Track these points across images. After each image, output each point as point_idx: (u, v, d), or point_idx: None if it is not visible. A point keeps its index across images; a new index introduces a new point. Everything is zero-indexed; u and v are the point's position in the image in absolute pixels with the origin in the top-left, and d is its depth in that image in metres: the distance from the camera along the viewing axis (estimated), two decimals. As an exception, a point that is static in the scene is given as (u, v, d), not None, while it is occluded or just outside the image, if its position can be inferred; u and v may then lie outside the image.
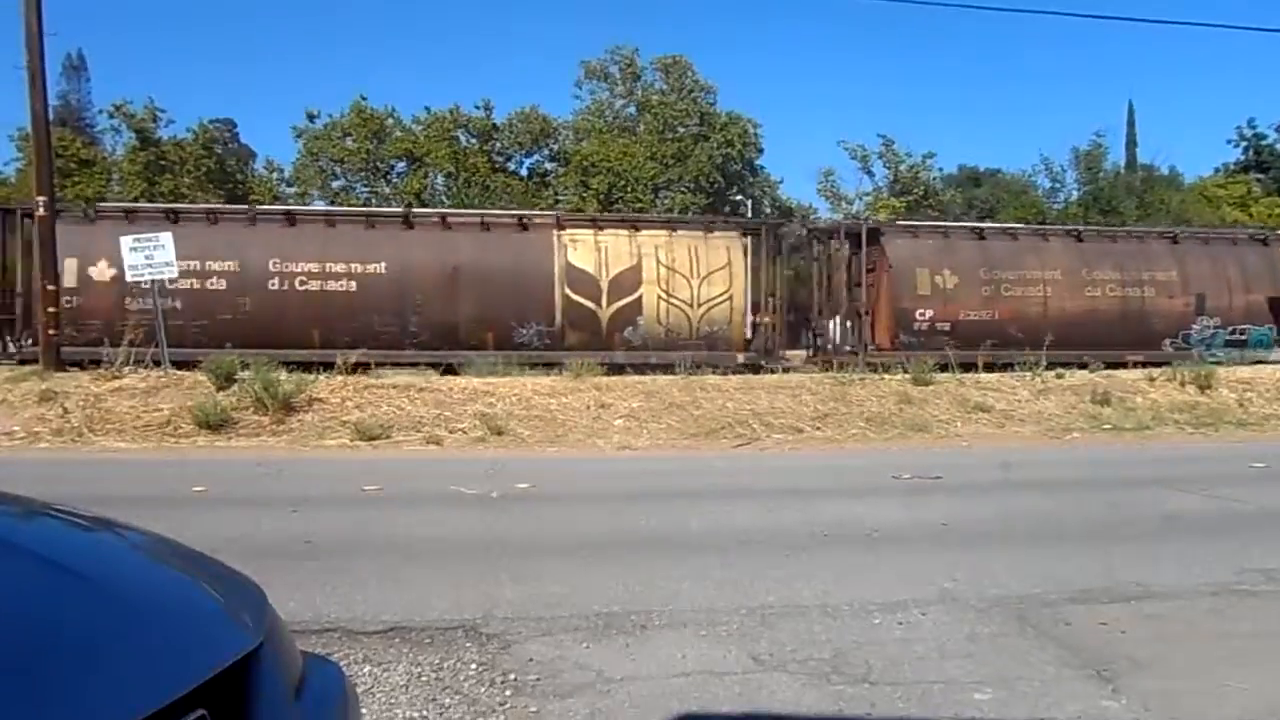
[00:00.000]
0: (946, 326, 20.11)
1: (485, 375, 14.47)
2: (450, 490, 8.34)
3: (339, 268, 18.45)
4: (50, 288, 15.07)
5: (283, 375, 12.63)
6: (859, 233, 21.25)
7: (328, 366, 14.06)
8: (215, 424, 11.65)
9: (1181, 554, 6.14)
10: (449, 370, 15.94)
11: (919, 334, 19.96)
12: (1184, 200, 44.52)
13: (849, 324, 21.55)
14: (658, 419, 12.69)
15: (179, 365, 14.35)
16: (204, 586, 1.71)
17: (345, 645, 4.28)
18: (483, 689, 3.84)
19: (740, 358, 18.88)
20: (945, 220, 30.44)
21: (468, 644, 4.34)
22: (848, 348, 20.85)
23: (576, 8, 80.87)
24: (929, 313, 20.28)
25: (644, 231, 19.82)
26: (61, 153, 30.60)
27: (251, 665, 1.51)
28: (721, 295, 19.37)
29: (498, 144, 39.54)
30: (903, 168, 40.85)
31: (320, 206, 25.08)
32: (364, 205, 34.17)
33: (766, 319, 20.07)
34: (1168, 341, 21.02)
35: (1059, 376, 15.48)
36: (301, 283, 18.31)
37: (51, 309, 15.05)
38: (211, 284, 18.12)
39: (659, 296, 19.11)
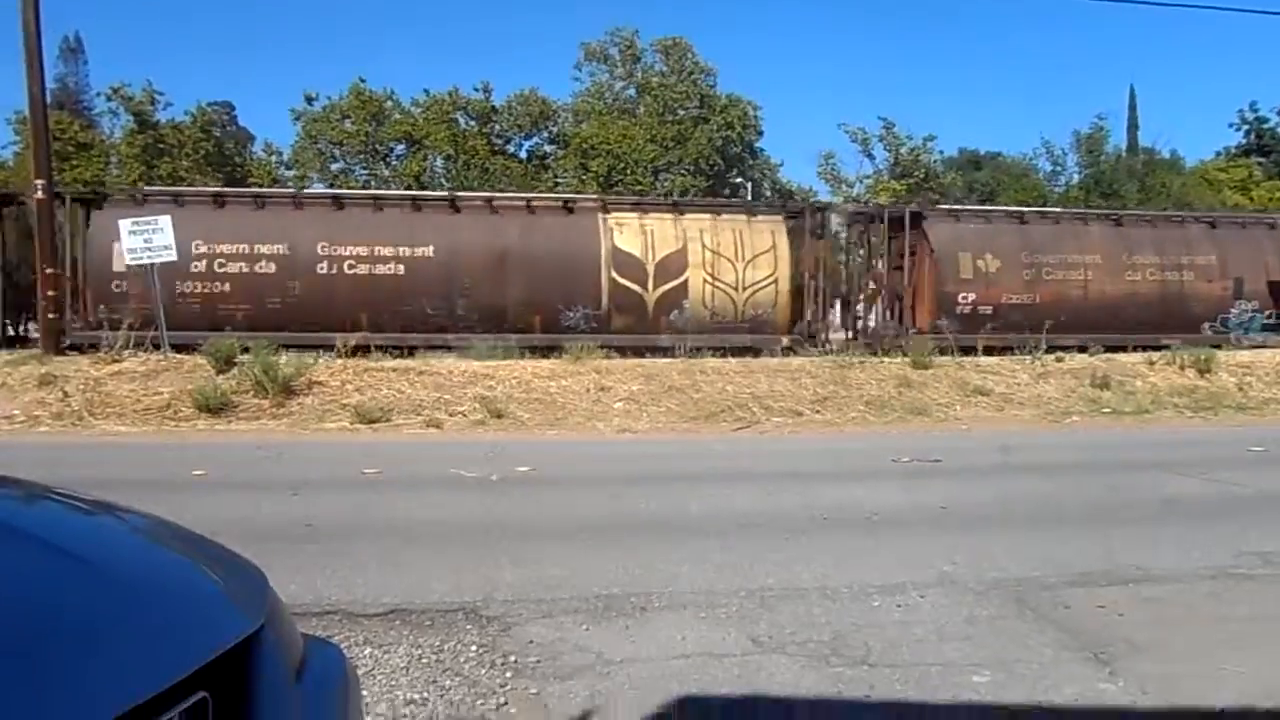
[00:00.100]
0: (989, 310, 20.22)
1: (485, 359, 14.46)
2: (450, 473, 8.35)
3: (387, 251, 18.40)
4: (50, 271, 15.05)
5: (283, 359, 12.62)
6: (900, 216, 21.26)
7: (382, 350, 14.40)
8: (215, 407, 11.65)
9: (1180, 537, 6.16)
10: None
11: (961, 317, 20.04)
12: (1185, 184, 44.44)
13: (889, 307, 21.70)
14: (657, 402, 12.70)
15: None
16: (204, 569, 1.71)
17: (346, 628, 4.29)
18: (483, 671, 3.85)
19: (784, 340, 18.91)
20: (947, 202, 30.38)
21: (468, 626, 4.35)
22: (888, 331, 21.00)
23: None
24: (971, 296, 20.37)
25: (688, 215, 19.84)
26: (59, 136, 30.49)
27: (252, 648, 1.51)
28: (766, 279, 19.41)
29: (497, 126, 39.43)
30: (903, 150, 40.75)
31: (367, 190, 25.06)
32: (363, 187, 34.07)
33: (811, 303, 20.25)
34: (1207, 325, 21.10)
35: (1059, 360, 15.49)
36: (350, 266, 18.25)
37: (51, 292, 15.04)
38: (260, 267, 18.07)
39: (704, 280, 19.14)
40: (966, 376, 14.28)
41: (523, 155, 40.34)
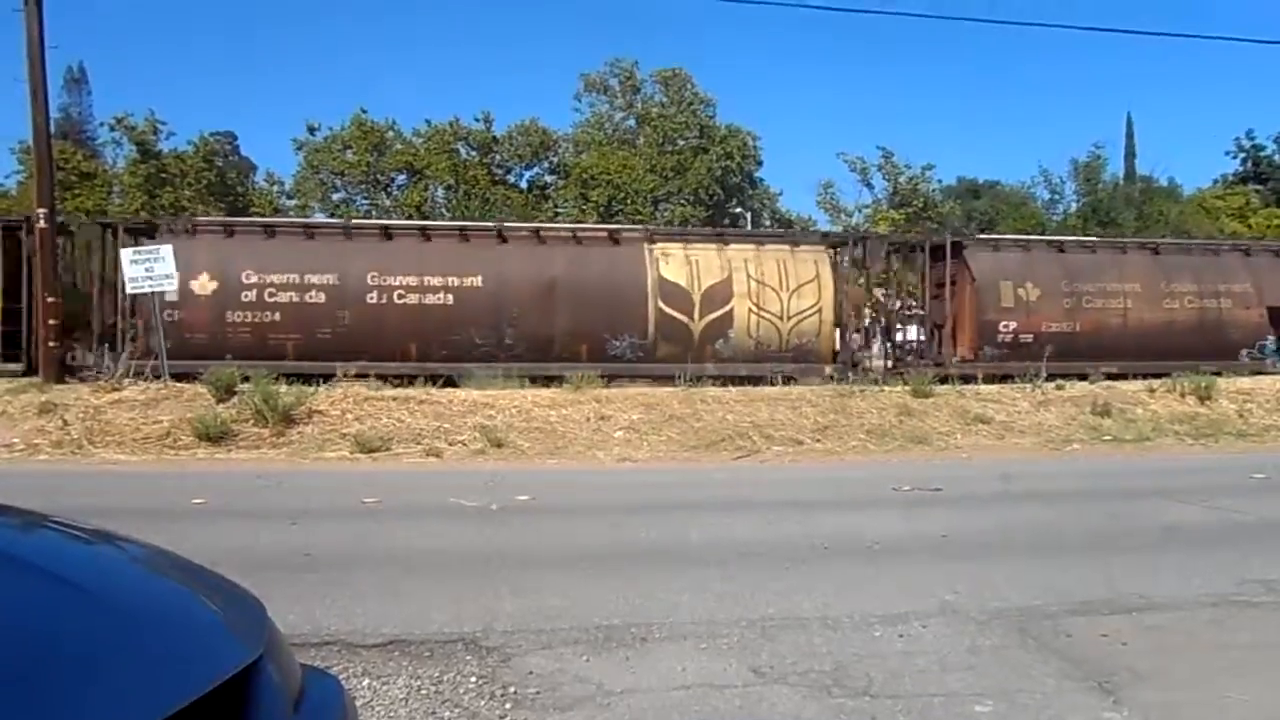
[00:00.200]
0: (1029, 338, 20.34)
1: (485, 388, 14.47)
2: (450, 502, 8.33)
3: (436, 280, 18.45)
4: (51, 300, 15.09)
5: (283, 388, 12.63)
6: (941, 245, 21.53)
7: (434, 380, 14.76)
8: (215, 436, 11.65)
9: (1182, 565, 6.14)
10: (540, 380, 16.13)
11: (1002, 345, 20.23)
12: (1183, 211, 44.62)
13: (929, 336, 21.90)
14: (658, 431, 12.69)
15: (285, 377, 14.34)
16: (203, 599, 1.71)
17: (344, 658, 4.27)
18: (482, 702, 3.83)
19: (828, 369, 19.00)
20: (944, 232, 30.53)
21: (467, 657, 4.33)
22: (926, 359, 21.21)
23: (576, 21, 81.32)
24: (1012, 324, 20.49)
25: (733, 245, 20.01)
26: (63, 165, 30.66)
27: (251, 678, 1.51)
28: (811, 308, 19.52)
29: (498, 156, 39.62)
30: (902, 179, 40.89)
31: (415, 221, 25.29)
32: (364, 217, 34.19)
33: (853, 332, 20.44)
34: (1244, 352, 21.23)
35: (1059, 388, 15.49)
36: (400, 296, 18.31)
37: (52, 321, 15.07)
38: (311, 297, 18.11)
39: (750, 309, 19.25)
40: (967, 405, 14.28)
41: (523, 185, 40.52)
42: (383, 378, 16.28)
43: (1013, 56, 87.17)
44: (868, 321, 21.91)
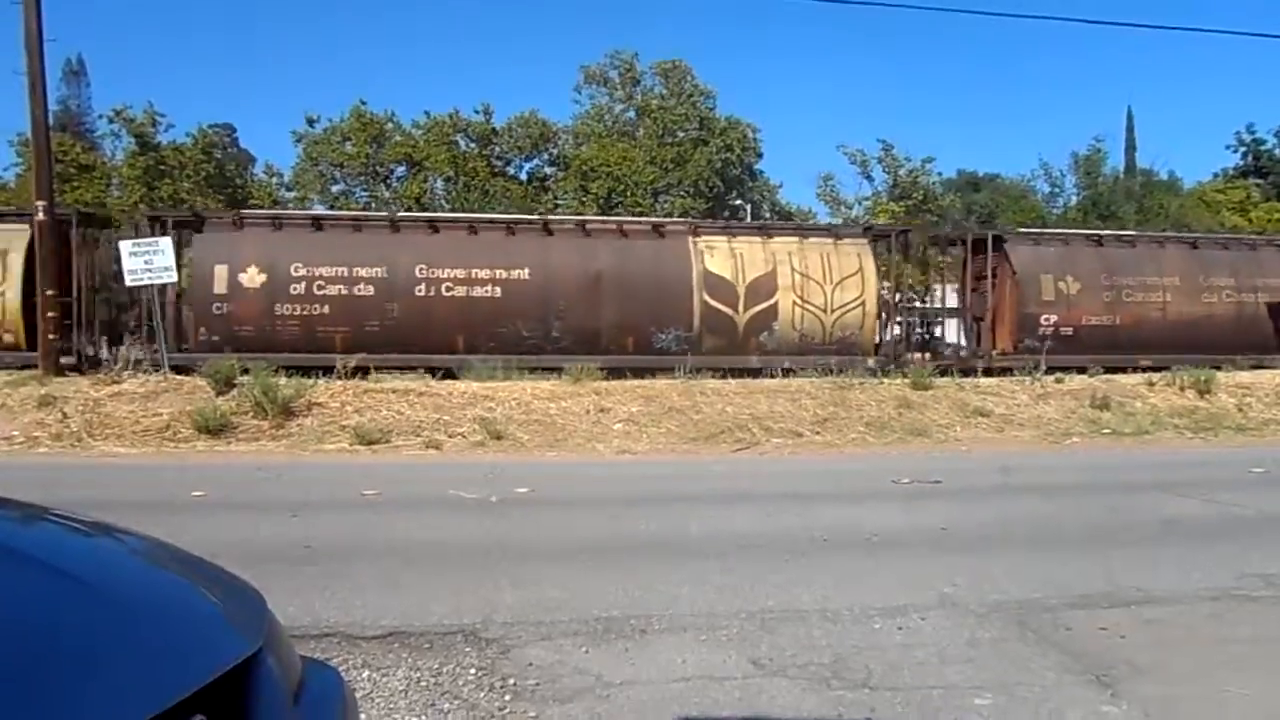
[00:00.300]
0: (1069, 331, 20.51)
1: (485, 379, 14.46)
2: (449, 495, 8.34)
3: (484, 273, 18.47)
4: (50, 293, 15.07)
5: (282, 380, 12.62)
6: (981, 239, 21.64)
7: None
8: (215, 428, 11.64)
9: (1181, 559, 6.14)
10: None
11: (1042, 339, 20.27)
12: (1183, 205, 44.61)
13: (968, 329, 22.06)
14: (657, 423, 12.68)
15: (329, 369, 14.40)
16: (203, 591, 1.71)
17: (344, 650, 4.27)
18: (482, 694, 3.83)
19: (870, 362, 19.03)
20: (946, 225, 30.59)
21: (467, 649, 4.33)
22: (965, 352, 21.40)
23: (576, 12, 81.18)
24: (1053, 318, 20.64)
25: (776, 238, 20.06)
26: (61, 158, 30.55)
27: (250, 670, 1.50)
28: (854, 301, 19.62)
29: (497, 148, 39.53)
30: (902, 172, 40.79)
31: (462, 214, 25.26)
32: (364, 209, 34.16)
33: (895, 324, 20.70)
34: None
35: (1058, 381, 15.49)
36: (448, 289, 18.33)
37: (51, 314, 15.05)
38: (359, 290, 18.12)
39: (794, 302, 19.34)
40: (966, 398, 14.28)
41: (523, 177, 40.46)
42: (430, 370, 16.56)
43: (1013, 49, 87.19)
44: (910, 315, 22.20)
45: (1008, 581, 5.51)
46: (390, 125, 38.78)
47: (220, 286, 17.42)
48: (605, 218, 25.10)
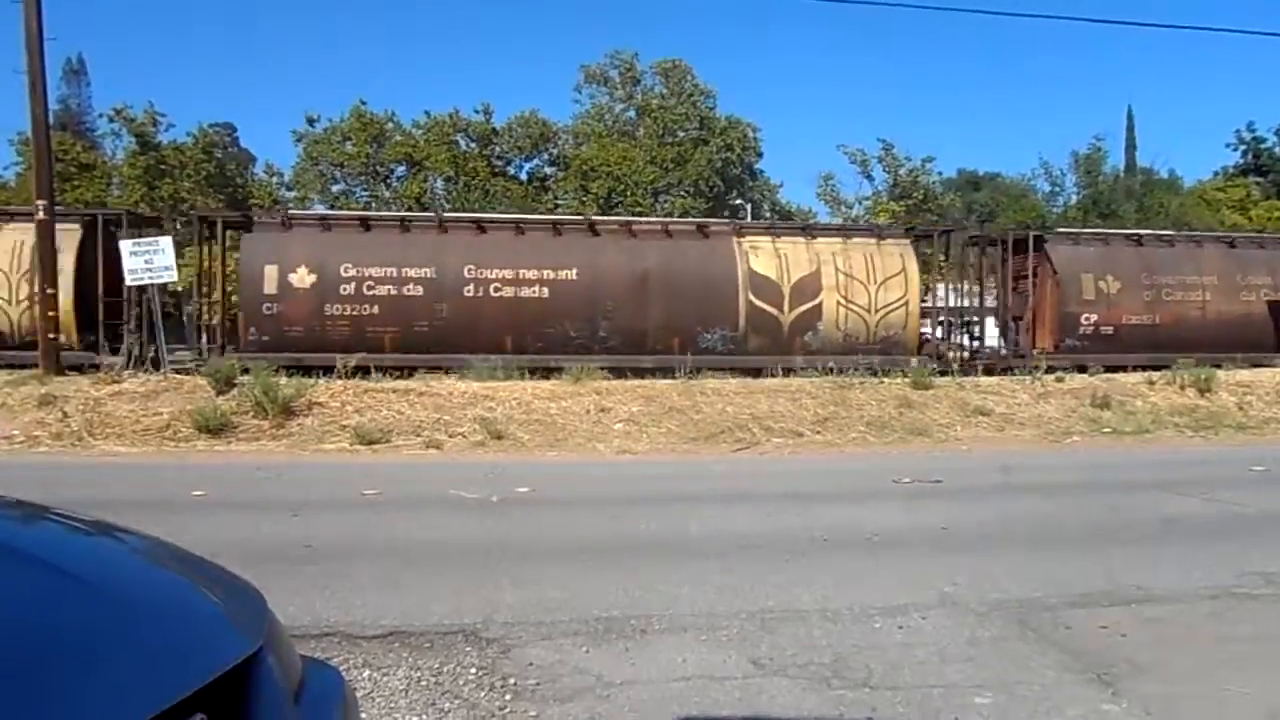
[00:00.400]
0: (1110, 330, 20.68)
1: (485, 379, 14.46)
2: (450, 494, 8.34)
3: (531, 274, 18.55)
4: (50, 291, 15.07)
5: (282, 380, 12.62)
6: (1022, 239, 21.76)
7: (533, 372, 14.83)
8: (215, 428, 11.64)
9: (1181, 557, 6.14)
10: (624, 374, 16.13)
11: (1083, 338, 20.49)
12: (1183, 204, 44.62)
13: (1006, 329, 22.21)
14: (657, 423, 12.68)
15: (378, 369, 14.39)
16: (203, 591, 1.71)
17: (345, 649, 4.27)
18: (482, 693, 3.83)
19: (914, 361, 19.09)
20: (945, 224, 30.57)
21: (467, 648, 4.33)
22: (1004, 351, 21.55)
23: (576, 12, 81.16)
24: (1093, 317, 20.79)
25: (819, 239, 20.19)
26: (61, 157, 30.60)
27: (251, 669, 1.50)
28: (898, 301, 19.73)
29: (497, 148, 39.56)
30: (902, 172, 40.84)
31: (508, 215, 25.27)
32: (364, 209, 34.14)
33: (936, 323, 20.94)
34: None
35: (1059, 380, 15.48)
36: (496, 289, 18.41)
37: (51, 313, 15.05)
38: (408, 290, 18.19)
39: (838, 302, 19.48)
40: (967, 397, 14.27)
41: (523, 177, 40.47)
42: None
43: (1013, 49, 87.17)
44: (951, 315, 22.32)
45: (1008, 580, 5.51)
46: (390, 125, 38.82)
47: (270, 287, 17.52)
48: (650, 218, 25.24)
